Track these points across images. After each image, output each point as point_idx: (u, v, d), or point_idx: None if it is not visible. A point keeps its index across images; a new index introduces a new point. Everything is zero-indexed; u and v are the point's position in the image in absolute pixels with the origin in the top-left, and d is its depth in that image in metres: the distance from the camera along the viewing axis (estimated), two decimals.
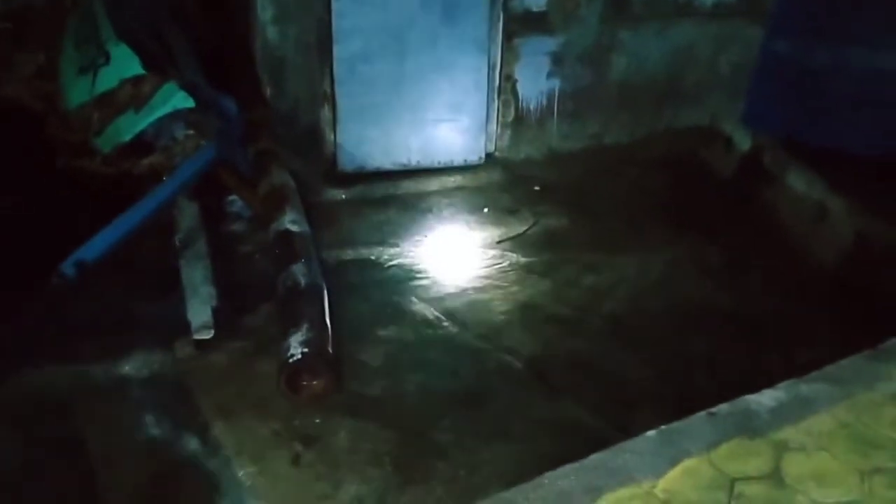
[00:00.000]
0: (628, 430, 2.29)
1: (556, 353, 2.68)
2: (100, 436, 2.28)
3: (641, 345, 2.72)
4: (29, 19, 4.36)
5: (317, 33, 3.26)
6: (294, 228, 2.67)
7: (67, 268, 2.68)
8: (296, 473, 2.21)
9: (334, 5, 3.23)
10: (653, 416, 2.32)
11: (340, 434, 2.33)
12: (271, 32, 3.22)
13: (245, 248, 3.12)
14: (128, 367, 2.52)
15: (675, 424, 1.79)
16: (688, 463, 1.69)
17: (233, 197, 3.32)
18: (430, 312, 2.82)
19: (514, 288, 2.97)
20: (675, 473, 1.67)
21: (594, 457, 1.71)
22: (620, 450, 1.73)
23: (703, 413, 1.84)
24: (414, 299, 2.87)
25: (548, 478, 1.64)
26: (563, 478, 1.64)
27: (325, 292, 2.51)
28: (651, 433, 1.77)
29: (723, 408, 1.85)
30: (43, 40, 4.13)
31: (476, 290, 2.95)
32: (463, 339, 2.71)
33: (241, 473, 2.19)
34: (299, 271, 2.49)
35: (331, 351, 2.30)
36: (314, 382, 2.23)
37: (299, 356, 2.20)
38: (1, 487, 2.13)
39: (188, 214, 3.15)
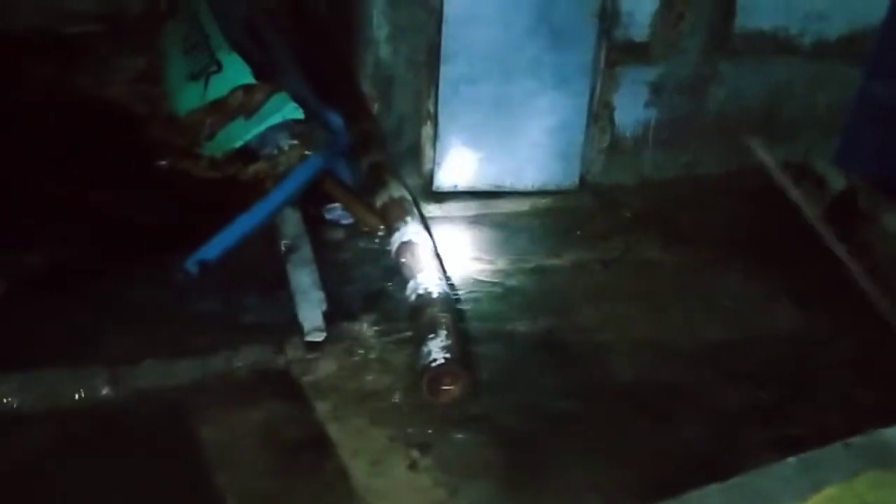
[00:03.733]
0: (731, 456, 2.38)
1: (655, 379, 2.71)
2: (214, 432, 2.35)
3: (740, 374, 2.75)
4: (125, 25, 4.54)
5: (426, 53, 3.36)
6: (417, 239, 2.75)
7: (191, 265, 2.78)
8: (413, 478, 2.26)
9: (445, 27, 3.32)
10: (756, 446, 2.40)
11: (453, 444, 2.38)
12: (384, 51, 3.33)
13: (344, 256, 3.20)
14: (240, 364, 2.60)
15: (813, 453, 1.83)
16: (829, 491, 1.72)
17: (331, 206, 3.41)
18: (528, 330, 2.87)
19: (610, 311, 3.01)
20: (817, 499, 1.70)
21: (736, 479, 1.75)
22: (761, 474, 1.77)
23: (839, 443, 1.87)
24: (512, 317, 2.92)
25: (694, 497, 1.68)
26: (708, 497, 1.68)
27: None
28: (791, 460, 1.81)
29: (857, 440, 1.88)
30: (141, 45, 4.30)
31: (572, 312, 2.99)
32: (563, 359, 2.75)
33: (359, 475, 2.25)
34: (430, 280, 2.56)
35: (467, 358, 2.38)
36: (453, 387, 2.30)
37: (442, 361, 2.28)
38: (114, 477, 2.19)
39: (292, 221, 3.24)
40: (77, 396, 2.40)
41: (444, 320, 2.43)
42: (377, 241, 3.21)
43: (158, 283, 2.86)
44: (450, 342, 2.35)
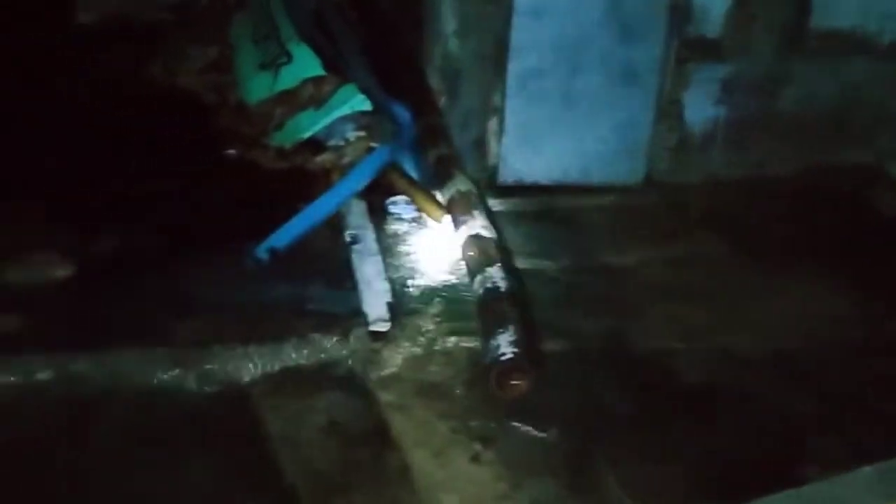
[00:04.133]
0: (797, 464, 2.34)
1: (720, 383, 2.67)
2: (279, 419, 2.39)
3: (808, 381, 2.69)
4: (196, 14, 4.63)
5: (494, 47, 3.35)
6: (485, 233, 2.76)
7: (262, 252, 2.84)
8: (476, 471, 2.28)
9: (514, 21, 3.31)
10: (823, 454, 2.35)
11: (515, 439, 2.38)
12: (452, 44, 3.34)
13: (408, 249, 3.22)
14: (305, 352, 2.64)
15: (890, 462, 1.78)
16: None
17: (395, 198, 3.43)
18: (591, 329, 2.85)
19: (675, 313, 2.97)
20: None
21: (809, 487, 1.72)
22: (836, 482, 1.73)
23: None
24: (575, 315, 2.90)
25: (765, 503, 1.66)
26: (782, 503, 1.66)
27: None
28: (867, 469, 1.77)
29: None
30: (211, 35, 4.38)
31: (636, 312, 2.96)
32: (631, 360, 2.73)
33: (422, 467, 2.27)
34: (497, 274, 2.58)
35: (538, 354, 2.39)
36: (521, 382, 2.31)
37: (511, 356, 2.29)
38: (178, 458, 2.25)
39: (357, 212, 3.28)
40: (145, 378, 2.47)
41: (513, 315, 2.44)
42: (442, 234, 3.23)
43: (226, 270, 2.92)
44: (519, 337, 2.36)
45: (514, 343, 2.35)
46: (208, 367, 2.53)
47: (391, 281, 2.94)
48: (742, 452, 2.38)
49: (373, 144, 3.51)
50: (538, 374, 2.40)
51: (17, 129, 3.50)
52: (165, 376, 2.48)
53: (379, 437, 2.36)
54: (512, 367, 2.32)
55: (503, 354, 2.32)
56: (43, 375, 2.43)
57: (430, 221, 3.28)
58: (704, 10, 3.46)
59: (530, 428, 2.39)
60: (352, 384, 2.56)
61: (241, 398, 2.46)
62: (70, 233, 2.98)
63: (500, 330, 2.37)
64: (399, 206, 3.40)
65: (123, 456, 2.23)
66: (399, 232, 3.29)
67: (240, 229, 3.06)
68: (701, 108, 3.57)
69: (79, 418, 2.34)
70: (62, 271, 2.79)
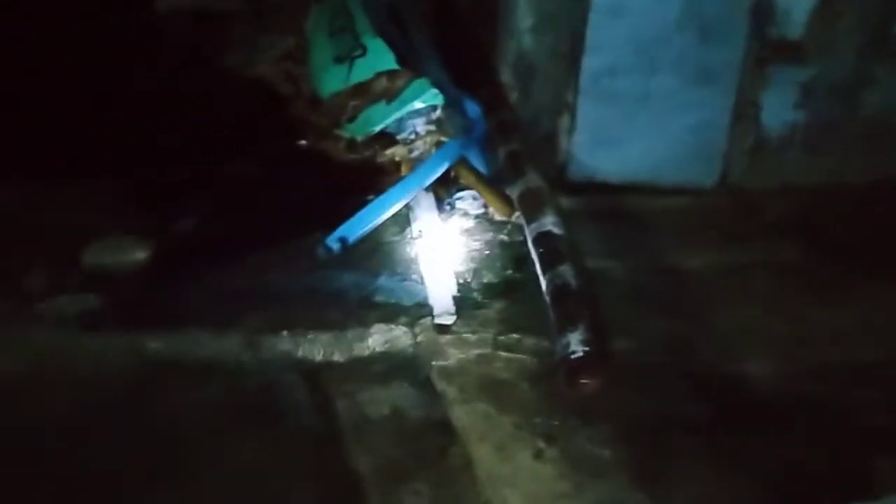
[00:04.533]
0: (873, 479, 2.27)
1: (792, 391, 2.61)
2: (346, 407, 2.43)
3: (883, 391, 2.61)
4: (270, 5, 4.71)
5: (570, 44, 3.33)
6: (556, 230, 2.75)
7: (332, 242, 2.88)
8: (538, 468, 2.27)
9: (591, 18, 3.28)
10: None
11: (580, 438, 2.37)
12: (527, 40, 3.33)
13: (475, 244, 3.22)
14: (370, 341, 2.67)
15: None
16: None
17: (463, 193, 3.44)
18: (660, 331, 2.81)
19: (747, 318, 2.91)
20: None
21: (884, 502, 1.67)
22: None
23: None
24: (644, 316, 2.87)
25: None
26: None
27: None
28: None
29: None
30: (286, 26, 4.45)
31: (706, 316, 2.91)
32: (698, 365, 2.69)
33: (484, 461, 2.28)
34: (568, 272, 2.57)
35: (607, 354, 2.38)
36: (591, 381, 2.31)
37: (581, 354, 2.29)
38: (246, 439, 2.30)
39: (424, 205, 3.30)
40: (217, 359, 2.53)
41: (583, 314, 2.43)
42: (509, 230, 3.22)
43: (297, 258, 2.98)
44: (589, 336, 2.35)
45: (584, 342, 2.34)
46: (278, 351, 2.59)
47: (457, 275, 2.96)
48: (813, 465, 2.32)
49: (443, 139, 3.53)
50: (607, 374, 2.38)
51: (98, 113, 3.62)
52: (237, 359, 2.54)
53: (442, 428, 2.37)
54: (582, 365, 2.31)
55: (574, 353, 2.31)
56: (119, 352, 2.52)
57: (497, 217, 3.28)
58: (787, 12, 3.38)
59: (595, 427, 2.38)
60: (416, 375, 2.57)
61: (308, 383, 2.50)
62: (148, 214, 3.09)
63: (571, 328, 2.37)
64: (467, 200, 3.40)
65: (186, 432, 2.30)
66: (466, 226, 3.30)
67: (311, 218, 3.11)
68: (779, 111, 3.48)
69: (151, 394, 2.41)
70: (140, 252, 2.88)
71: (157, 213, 3.11)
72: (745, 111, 3.49)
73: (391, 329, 2.71)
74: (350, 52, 3.70)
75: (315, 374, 2.54)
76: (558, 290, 2.55)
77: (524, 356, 2.65)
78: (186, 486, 2.13)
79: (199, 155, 3.46)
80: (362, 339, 2.67)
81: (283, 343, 2.62)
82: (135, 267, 2.85)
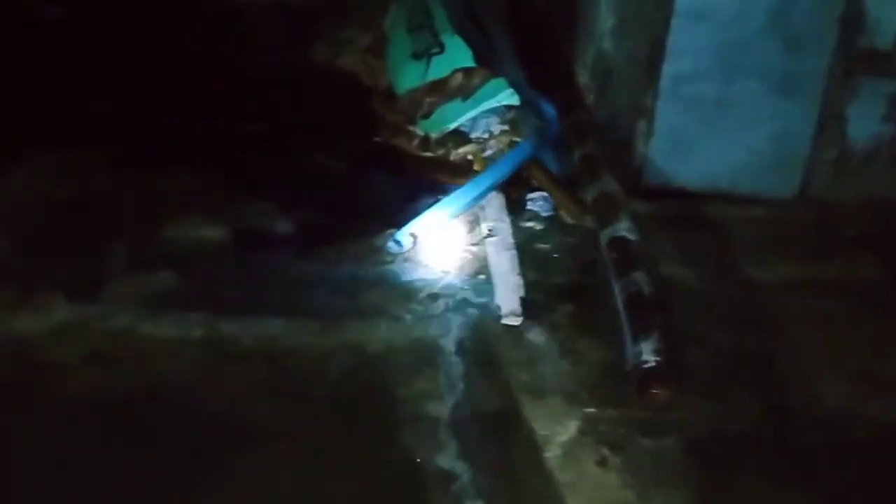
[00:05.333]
0: None
1: (867, 414, 2.52)
2: (408, 393, 2.46)
3: None
4: (351, 2, 4.77)
5: (650, 48, 3.28)
6: (630, 236, 2.72)
7: (402, 238, 2.91)
8: (602, 476, 2.25)
9: (674, 23, 3.23)
10: None
11: (645, 447, 2.34)
12: (607, 43, 3.29)
13: (544, 246, 3.21)
14: (437, 333, 2.70)
15: None
16: None
17: (534, 194, 3.42)
18: (731, 344, 2.75)
19: (824, 336, 2.83)
20: None
21: None
22: None
23: None
24: (716, 329, 2.81)
25: None
26: None
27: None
28: None
29: None
30: (366, 21, 4.50)
31: (781, 331, 2.84)
32: (767, 380, 2.63)
33: (549, 463, 2.26)
34: (641, 279, 2.54)
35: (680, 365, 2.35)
36: (662, 392, 2.28)
37: (653, 364, 2.26)
38: (310, 418, 2.35)
39: (494, 206, 3.29)
40: (289, 343, 2.59)
41: (657, 322, 2.40)
42: (580, 233, 3.20)
43: (368, 251, 3.02)
44: (662, 345, 2.32)
45: (657, 351, 2.31)
46: (348, 338, 2.63)
47: (525, 277, 2.94)
48: (887, 493, 2.25)
49: (516, 139, 3.52)
50: (679, 385, 2.35)
51: (180, 102, 3.74)
52: (307, 343, 2.60)
53: (507, 428, 2.37)
54: (654, 375, 2.28)
55: (646, 362, 2.28)
56: (195, 332, 2.59)
57: (568, 220, 3.25)
58: (877, 21, 3.27)
59: (662, 439, 2.34)
60: (482, 373, 2.57)
61: (374, 371, 2.54)
62: (228, 199, 3.18)
63: (643, 336, 2.34)
64: (538, 202, 3.39)
65: (256, 410, 2.36)
66: (536, 228, 3.29)
67: (383, 213, 3.16)
68: (865, 123, 3.37)
69: (224, 373, 2.48)
70: (217, 235, 2.97)
71: (236, 198, 3.20)
72: (829, 122, 3.39)
73: (458, 324, 2.73)
74: (428, 49, 3.72)
75: (379, 359, 2.58)
76: (631, 297, 2.52)
77: (590, 361, 2.62)
78: (252, 476, 2.17)
79: (284, 143, 3.56)
80: (426, 330, 2.69)
81: (354, 330, 2.67)
82: (212, 249, 2.94)
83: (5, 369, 2.43)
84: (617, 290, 2.57)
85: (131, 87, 3.83)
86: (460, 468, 2.22)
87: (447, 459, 2.24)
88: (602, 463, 2.28)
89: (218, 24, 4.44)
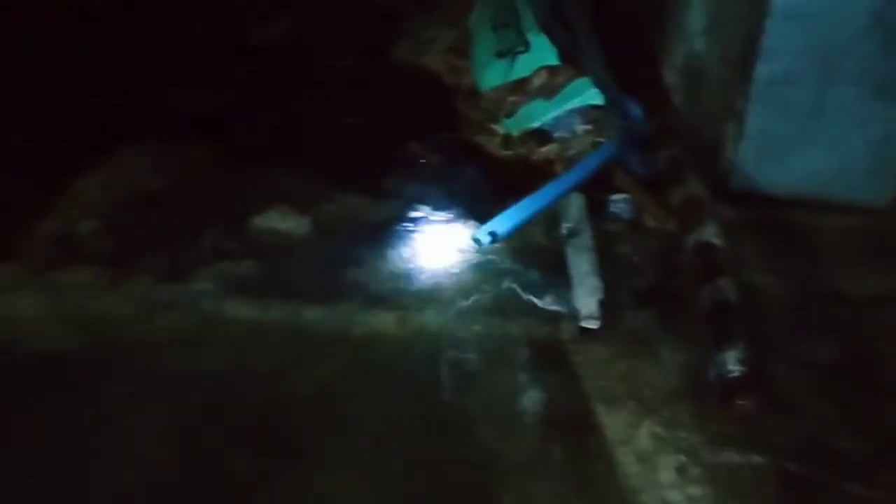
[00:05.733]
0: None
1: None
2: (484, 387, 2.48)
3: None
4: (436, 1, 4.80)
5: (743, 48, 3.19)
6: (716, 241, 2.66)
7: (483, 235, 2.91)
8: (680, 484, 2.21)
9: (768, 23, 3.13)
10: None
11: (724, 459, 2.28)
12: (698, 43, 3.22)
13: (625, 249, 3.16)
14: (514, 331, 2.70)
15: None
16: None
17: (616, 196, 3.37)
18: (819, 357, 2.65)
19: None
20: None
21: None
22: None
23: None
24: (803, 340, 2.72)
25: None
26: None
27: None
28: None
29: None
30: (450, 19, 4.51)
31: (872, 346, 2.73)
32: (855, 396, 2.53)
33: (625, 467, 2.24)
34: (727, 287, 2.48)
35: (765, 375, 2.29)
36: (746, 402, 2.23)
37: (737, 374, 2.21)
38: (384, 405, 2.40)
39: (575, 206, 3.26)
40: (368, 331, 2.67)
41: (742, 331, 2.34)
42: (661, 237, 3.14)
43: (449, 247, 3.05)
44: (747, 355, 2.26)
45: (742, 361, 2.26)
46: (427, 329, 2.68)
47: (605, 279, 2.91)
48: None
49: (600, 139, 3.48)
50: (764, 396, 2.29)
51: (268, 96, 3.86)
52: (388, 332, 2.66)
53: (582, 430, 2.36)
54: (738, 386, 2.23)
55: (730, 371, 2.23)
56: (277, 315, 2.69)
57: (651, 223, 3.20)
58: None
59: (743, 450, 2.29)
60: (558, 375, 2.56)
61: (453, 364, 2.56)
62: (313, 193, 3.25)
63: (728, 345, 2.28)
64: (620, 204, 3.34)
65: (339, 395, 2.42)
66: (618, 231, 3.24)
67: (464, 210, 3.19)
68: None
69: (304, 356, 2.56)
70: (303, 227, 3.06)
71: (321, 193, 3.27)
72: None
73: (536, 324, 2.72)
74: (513, 48, 3.70)
75: (459, 353, 2.60)
76: (716, 304, 2.46)
77: (671, 368, 2.58)
78: (340, 460, 2.23)
79: (374, 137, 3.64)
80: (504, 327, 2.70)
81: (431, 322, 2.71)
82: (297, 240, 3.03)
83: (95, 347, 2.55)
84: (701, 296, 2.52)
85: (222, 82, 3.95)
86: (535, 467, 2.23)
87: (522, 456, 2.25)
88: (680, 471, 2.24)
89: (302, 21, 4.54)
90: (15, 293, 2.73)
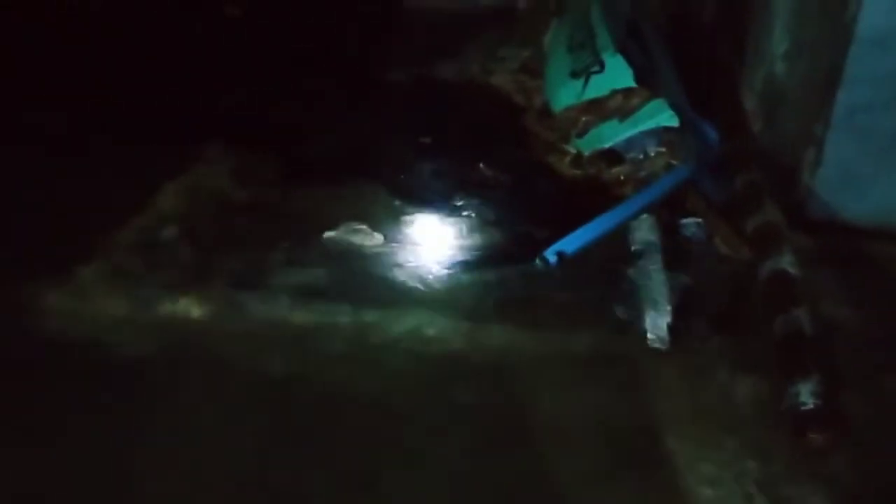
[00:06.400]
0: None
1: None
2: (549, 399, 2.50)
3: None
4: (512, 16, 4.83)
5: (826, 74, 3.13)
6: (792, 270, 2.61)
7: (550, 255, 2.92)
8: None
9: (853, 48, 3.06)
10: None
11: (793, 493, 2.23)
12: (780, 66, 3.17)
13: (696, 273, 3.11)
14: (581, 350, 2.70)
15: None
16: None
17: (687, 220, 3.33)
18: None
19: None
20: None
21: None
22: None
23: None
24: (885, 374, 2.63)
25: None
26: None
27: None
28: None
29: None
30: (525, 38, 4.54)
31: None
32: None
33: (693, 489, 2.21)
34: (803, 317, 2.43)
35: (839, 410, 2.23)
36: (819, 436, 2.17)
37: (811, 406, 2.16)
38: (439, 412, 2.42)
39: (645, 227, 3.23)
40: (423, 336, 2.71)
41: (817, 363, 2.28)
42: (733, 262, 3.09)
43: (514, 263, 3.06)
44: (822, 388, 2.20)
45: (816, 394, 2.20)
46: (485, 339, 2.71)
47: (674, 302, 2.88)
48: None
49: (673, 162, 3.45)
50: (837, 432, 2.23)
51: (335, 114, 3.95)
52: (443, 339, 2.69)
53: (650, 449, 2.34)
54: (812, 419, 2.18)
55: (804, 404, 2.18)
56: (341, 318, 2.75)
57: (723, 249, 3.15)
58: None
59: (812, 485, 2.23)
60: (623, 396, 2.54)
61: (514, 375, 2.58)
62: (387, 209, 3.33)
63: (802, 377, 2.23)
64: (692, 228, 3.30)
65: (391, 391, 2.49)
66: (689, 254, 3.20)
67: (533, 230, 3.19)
68: None
69: (362, 358, 2.62)
70: (372, 241, 3.12)
71: (398, 209, 3.35)
72: None
73: (603, 343, 2.72)
74: (587, 68, 3.70)
75: (521, 370, 2.61)
76: (791, 334, 2.40)
77: (740, 395, 2.52)
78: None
79: (445, 156, 3.69)
80: (569, 345, 2.70)
81: (494, 335, 2.73)
82: (366, 251, 3.09)
83: (171, 348, 2.63)
84: (776, 326, 2.46)
85: (295, 99, 4.05)
86: (599, 487, 2.22)
87: (584, 475, 2.24)
88: (748, 499, 2.19)
89: (371, 34, 4.63)
90: (95, 295, 2.83)
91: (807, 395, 2.22)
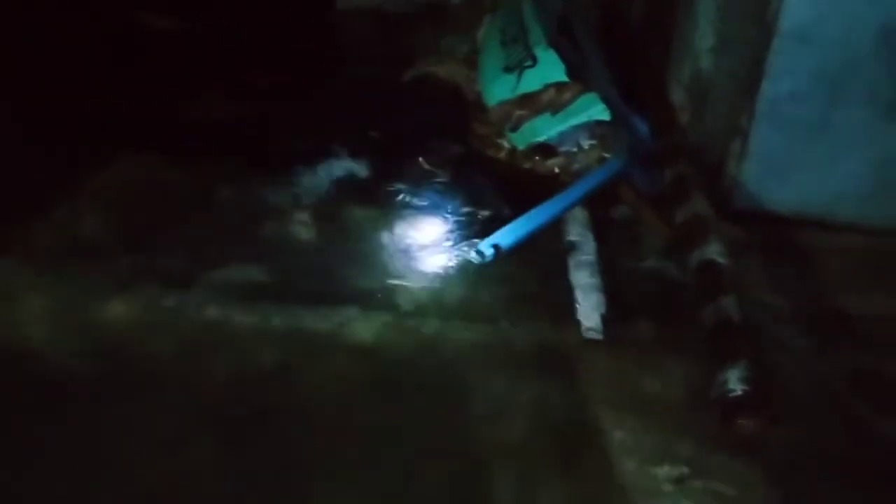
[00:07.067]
0: None
1: None
2: (486, 390, 2.52)
3: None
4: (447, 12, 4.84)
5: (750, 68, 3.21)
6: (720, 260, 2.66)
7: (486, 248, 2.93)
8: (678, 494, 2.22)
9: (776, 43, 3.15)
10: None
11: (725, 471, 2.28)
12: (705, 61, 3.24)
13: (629, 264, 3.17)
14: (516, 342, 2.72)
15: None
16: None
17: (619, 212, 3.39)
18: (828, 375, 2.67)
19: None
20: None
21: None
22: None
23: None
24: (811, 359, 2.73)
25: None
26: None
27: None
28: None
29: None
30: (462, 32, 4.55)
31: (879, 363, 2.74)
32: (867, 415, 2.53)
33: (625, 475, 2.26)
34: (730, 305, 2.48)
35: (768, 394, 2.29)
36: (748, 422, 2.22)
37: (739, 393, 2.21)
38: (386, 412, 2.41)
39: (579, 220, 3.27)
40: (366, 336, 2.68)
41: (745, 350, 2.34)
42: (666, 254, 3.15)
43: (455, 256, 3.08)
44: (750, 375, 2.26)
45: (744, 380, 2.25)
46: (427, 335, 2.70)
47: (606, 293, 2.92)
48: None
49: (605, 154, 3.49)
50: (768, 417, 2.29)
51: (281, 110, 3.91)
52: (385, 337, 2.68)
53: (581, 442, 2.36)
54: (740, 405, 2.23)
55: (732, 391, 2.23)
56: (276, 321, 2.71)
57: (655, 239, 3.21)
58: None
59: (742, 464, 2.29)
60: (559, 386, 2.56)
61: (452, 368, 2.59)
62: (331, 202, 3.31)
63: (730, 364, 2.28)
64: (625, 220, 3.35)
65: (334, 398, 2.46)
66: (620, 245, 3.25)
67: (470, 223, 3.23)
68: None
69: (301, 362, 2.57)
70: (310, 236, 3.10)
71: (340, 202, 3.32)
72: None
73: (538, 336, 2.74)
74: (521, 63, 3.72)
75: (457, 363, 2.62)
76: (719, 322, 2.46)
77: (673, 380, 2.58)
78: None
79: (391, 150, 3.67)
80: (505, 338, 2.73)
81: (433, 327, 2.73)
82: (300, 245, 3.06)
83: (103, 355, 2.54)
84: (704, 314, 2.52)
85: (236, 97, 3.98)
86: (535, 472, 2.24)
87: (519, 464, 2.26)
88: (679, 481, 2.24)
89: (317, 34, 4.58)
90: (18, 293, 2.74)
91: (735, 381, 2.27)
